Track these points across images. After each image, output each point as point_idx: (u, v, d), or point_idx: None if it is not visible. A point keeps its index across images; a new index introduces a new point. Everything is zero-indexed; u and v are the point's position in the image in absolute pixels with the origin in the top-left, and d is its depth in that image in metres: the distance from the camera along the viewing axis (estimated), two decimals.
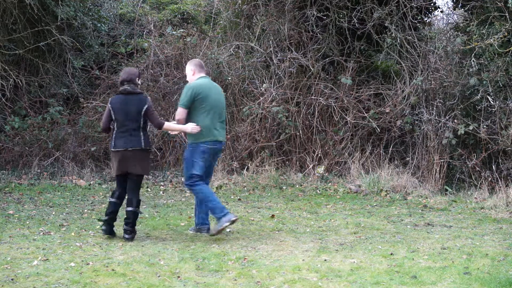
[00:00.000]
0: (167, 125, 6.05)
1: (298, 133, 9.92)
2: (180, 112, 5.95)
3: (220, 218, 5.82)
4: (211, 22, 12.24)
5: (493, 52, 9.00)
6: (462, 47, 9.40)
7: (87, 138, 9.93)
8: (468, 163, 9.05)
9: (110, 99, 6.01)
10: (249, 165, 9.65)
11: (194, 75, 6.12)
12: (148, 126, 6.04)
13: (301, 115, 9.95)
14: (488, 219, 7.25)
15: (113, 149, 5.90)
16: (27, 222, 6.51)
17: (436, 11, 11.35)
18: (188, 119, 5.97)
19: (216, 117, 6.02)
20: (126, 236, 5.83)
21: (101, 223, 6.05)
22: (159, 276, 4.62)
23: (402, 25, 10.01)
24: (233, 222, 5.86)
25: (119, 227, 6.45)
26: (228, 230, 6.37)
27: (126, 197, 5.99)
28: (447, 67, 9.76)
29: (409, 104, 9.69)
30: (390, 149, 9.74)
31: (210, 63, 10.39)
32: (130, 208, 5.88)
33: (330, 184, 9.29)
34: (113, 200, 5.99)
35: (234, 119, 10.16)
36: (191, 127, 5.91)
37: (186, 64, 6.29)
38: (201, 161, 5.94)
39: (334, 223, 6.88)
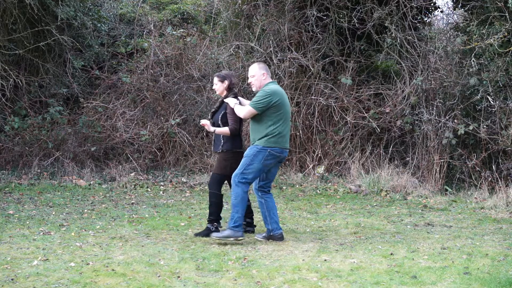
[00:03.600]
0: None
1: (298, 133, 9.92)
2: (250, 112, 5.76)
3: (231, 229, 5.74)
4: (211, 22, 12.24)
5: (493, 52, 9.00)
6: (462, 47, 9.40)
7: (87, 138, 9.92)
8: (468, 163, 9.05)
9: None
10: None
11: (265, 79, 5.91)
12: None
13: (301, 115, 9.96)
14: (488, 219, 7.25)
15: (240, 150, 6.02)
16: (27, 222, 6.51)
17: (436, 11, 11.35)
18: (261, 125, 5.79)
19: (289, 124, 5.94)
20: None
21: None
22: (159, 276, 4.62)
23: (402, 25, 10.01)
24: (236, 240, 5.77)
25: (120, 227, 6.45)
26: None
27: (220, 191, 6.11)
28: (447, 67, 9.76)
29: (409, 104, 9.70)
30: (390, 149, 9.74)
31: (210, 63, 10.40)
32: (249, 202, 6.17)
33: (330, 184, 9.29)
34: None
35: None
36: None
37: (252, 65, 5.98)
38: (260, 165, 5.79)
39: (334, 223, 6.88)
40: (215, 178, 6.04)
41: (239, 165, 5.82)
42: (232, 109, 5.90)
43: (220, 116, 5.99)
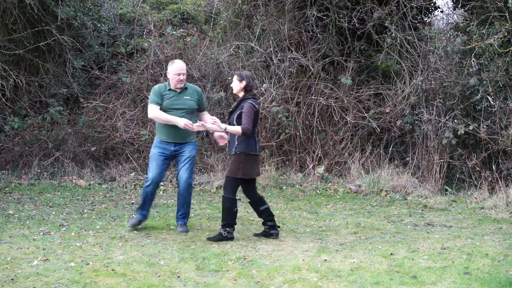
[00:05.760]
0: None
1: (298, 133, 9.92)
2: None
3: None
4: (211, 22, 12.23)
5: (493, 52, 9.00)
6: (462, 47, 9.40)
7: (87, 138, 9.92)
8: (468, 163, 9.05)
9: (252, 102, 5.91)
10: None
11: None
12: None
13: (301, 115, 9.95)
14: (488, 219, 7.25)
15: (255, 153, 5.93)
16: (27, 222, 6.51)
17: (436, 11, 11.35)
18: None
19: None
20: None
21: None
22: (159, 276, 4.62)
23: (402, 25, 10.01)
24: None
25: (120, 227, 6.44)
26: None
27: (252, 199, 6.11)
28: (447, 67, 9.76)
29: (409, 104, 9.69)
30: (390, 149, 9.74)
31: (210, 63, 10.39)
32: (267, 205, 6.11)
33: (330, 184, 9.29)
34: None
35: None
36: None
37: (182, 63, 6.37)
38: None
39: (334, 223, 6.88)
40: (228, 182, 5.93)
41: (191, 166, 6.28)
42: (248, 109, 5.80)
43: (235, 116, 5.87)
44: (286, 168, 9.84)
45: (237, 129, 5.78)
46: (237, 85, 5.97)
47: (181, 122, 6.00)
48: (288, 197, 8.61)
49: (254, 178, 6.05)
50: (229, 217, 5.91)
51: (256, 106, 5.89)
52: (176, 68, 6.17)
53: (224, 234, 5.90)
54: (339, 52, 10.39)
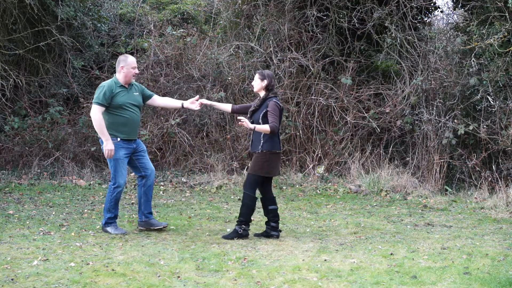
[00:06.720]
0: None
1: (298, 133, 9.93)
2: None
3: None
4: (211, 22, 12.24)
5: (493, 52, 9.01)
6: (462, 47, 9.40)
7: (87, 138, 9.92)
8: (468, 163, 9.06)
9: (276, 100, 5.89)
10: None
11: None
12: None
13: (301, 115, 9.96)
14: (488, 219, 7.25)
15: (279, 151, 5.96)
16: (27, 222, 6.51)
17: (436, 11, 11.35)
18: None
19: None
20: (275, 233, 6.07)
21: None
22: (159, 276, 4.62)
23: (402, 25, 10.02)
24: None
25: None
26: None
27: (265, 196, 6.09)
28: (447, 67, 9.77)
29: (409, 104, 9.70)
30: (390, 149, 9.74)
31: (210, 63, 10.39)
32: (276, 206, 6.09)
33: (330, 184, 9.29)
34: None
35: (234, 119, 10.16)
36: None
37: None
38: None
39: (334, 223, 6.88)
40: (251, 179, 5.93)
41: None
42: (274, 107, 5.79)
43: (261, 115, 5.85)
44: (286, 168, 9.85)
45: (265, 127, 5.78)
46: (258, 84, 5.97)
47: (109, 145, 5.85)
48: (288, 197, 8.61)
49: (272, 176, 6.08)
50: (247, 214, 5.94)
51: (280, 104, 5.91)
52: (132, 61, 6.10)
53: (240, 231, 5.92)
54: (339, 52, 10.40)
